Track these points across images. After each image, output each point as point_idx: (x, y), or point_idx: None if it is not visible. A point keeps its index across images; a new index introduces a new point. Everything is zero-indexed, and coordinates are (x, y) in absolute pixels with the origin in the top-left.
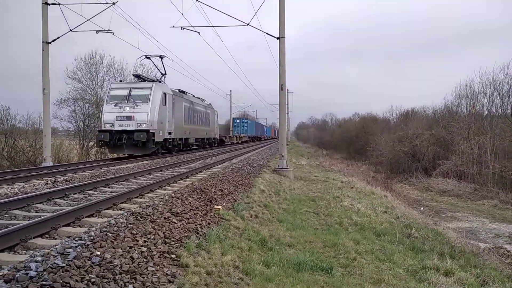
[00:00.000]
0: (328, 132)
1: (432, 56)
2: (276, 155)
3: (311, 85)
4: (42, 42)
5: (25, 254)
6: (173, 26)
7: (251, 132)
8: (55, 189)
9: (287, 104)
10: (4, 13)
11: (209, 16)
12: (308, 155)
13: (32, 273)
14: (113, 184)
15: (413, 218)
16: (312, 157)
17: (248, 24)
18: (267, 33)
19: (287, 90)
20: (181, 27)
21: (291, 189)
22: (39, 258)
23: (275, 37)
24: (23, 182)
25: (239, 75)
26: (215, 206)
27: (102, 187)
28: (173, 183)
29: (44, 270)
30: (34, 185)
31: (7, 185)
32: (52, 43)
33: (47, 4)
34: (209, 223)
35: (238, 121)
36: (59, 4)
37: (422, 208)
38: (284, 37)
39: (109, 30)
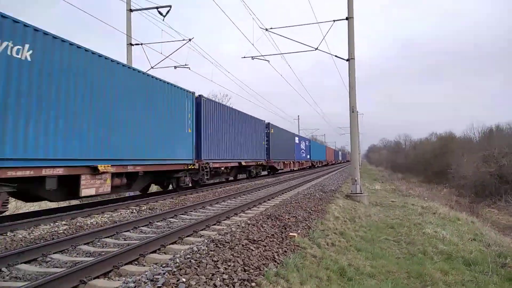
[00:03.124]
0: (402, 154)
1: None
2: (347, 180)
3: (381, 106)
4: None
5: (118, 280)
6: (244, 57)
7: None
8: (140, 217)
9: (358, 126)
10: None
11: (277, 44)
12: (382, 178)
13: None
14: (191, 211)
15: (507, 246)
16: (386, 181)
17: (316, 49)
18: (336, 56)
19: (358, 112)
20: (252, 57)
21: (367, 216)
22: (132, 285)
23: (345, 59)
24: (111, 212)
25: (307, 100)
26: (290, 233)
27: (181, 214)
28: (247, 210)
29: None
30: (121, 214)
31: (97, 215)
32: None
33: (131, 45)
34: (285, 251)
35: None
36: (141, 44)
37: None
38: (354, 59)
39: (186, 65)
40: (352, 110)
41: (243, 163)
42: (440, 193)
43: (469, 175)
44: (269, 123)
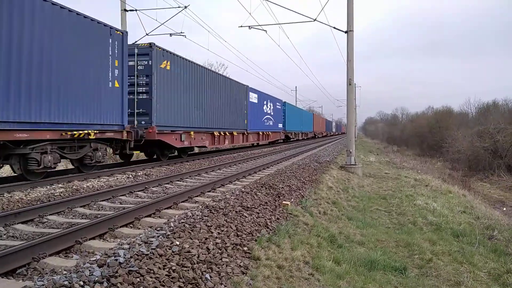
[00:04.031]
0: (399, 127)
1: None
2: (343, 152)
3: (380, 79)
4: None
5: (113, 241)
6: (241, 26)
7: None
8: (136, 183)
9: (355, 99)
10: None
11: (275, 14)
12: (377, 151)
13: (121, 259)
14: (187, 178)
15: (495, 219)
16: (381, 153)
17: (315, 20)
18: (334, 28)
19: (355, 84)
20: (249, 27)
21: (360, 186)
22: (126, 246)
23: (343, 31)
24: (107, 176)
25: (304, 71)
26: (284, 202)
27: (177, 181)
28: (242, 178)
29: (131, 257)
30: (117, 179)
31: (94, 179)
32: None
33: (125, 11)
34: (278, 218)
35: None
36: (136, 10)
37: (505, 209)
38: (353, 31)
39: (181, 33)
40: (349, 82)
41: None
42: (434, 166)
43: (463, 149)
44: (151, 45)
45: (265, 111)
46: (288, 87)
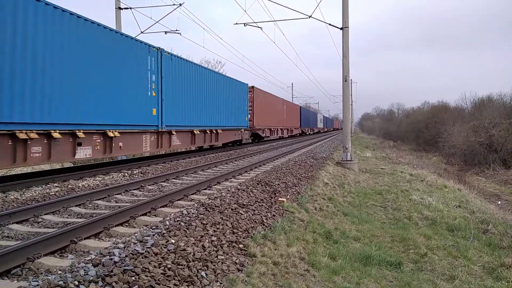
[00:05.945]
0: (395, 122)
1: None
2: (339, 148)
3: (377, 74)
4: None
5: (109, 241)
6: (236, 23)
7: None
8: (132, 181)
9: (351, 95)
10: None
11: (270, 11)
12: (374, 146)
13: (116, 259)
14: (183, 176)
15: (490, 213)
16: (377, 148)
17: (310, 16)
18: (330, 24)
19: (351, 81)
20: (244, 24)
21: (356, 182)
22: (121, 245)
23: (339, 28)
24: (103, 175)
25: (300, 68)
26: (279, 199)
27: (173, 179)
28: (238, 175)
29: (126, 256)
30: (113, 177)
31: (89, 177)
32: None
33: (120, 9)
34: (274, 215)
35: None
36: (130, 8)
37: (500, 202)
38: (348, 27)
39: (176, 30)
40: (345, 79)
41: None
42: (430, 161)
43: (459, 144)
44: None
45: None
46: (284, 84)
